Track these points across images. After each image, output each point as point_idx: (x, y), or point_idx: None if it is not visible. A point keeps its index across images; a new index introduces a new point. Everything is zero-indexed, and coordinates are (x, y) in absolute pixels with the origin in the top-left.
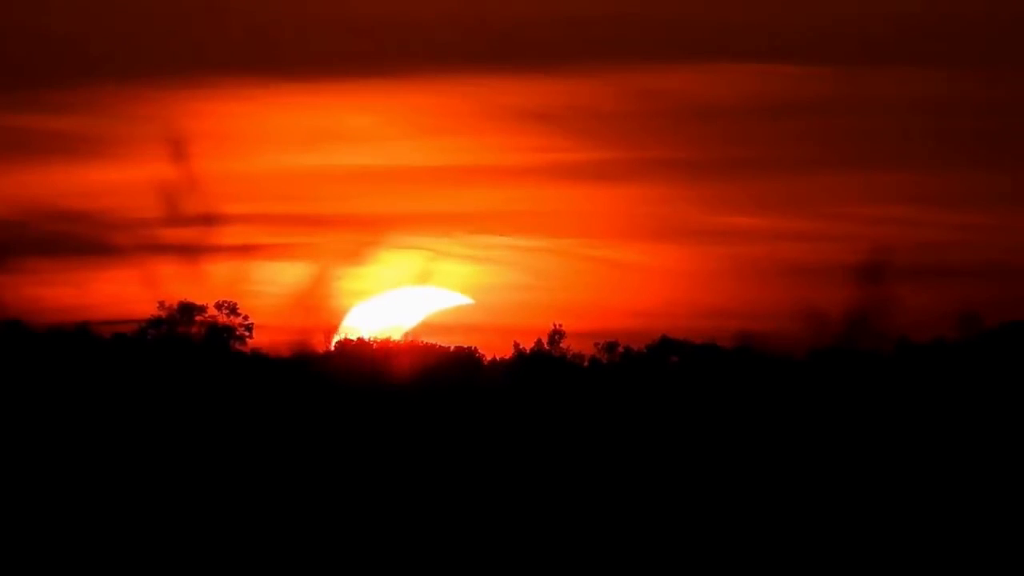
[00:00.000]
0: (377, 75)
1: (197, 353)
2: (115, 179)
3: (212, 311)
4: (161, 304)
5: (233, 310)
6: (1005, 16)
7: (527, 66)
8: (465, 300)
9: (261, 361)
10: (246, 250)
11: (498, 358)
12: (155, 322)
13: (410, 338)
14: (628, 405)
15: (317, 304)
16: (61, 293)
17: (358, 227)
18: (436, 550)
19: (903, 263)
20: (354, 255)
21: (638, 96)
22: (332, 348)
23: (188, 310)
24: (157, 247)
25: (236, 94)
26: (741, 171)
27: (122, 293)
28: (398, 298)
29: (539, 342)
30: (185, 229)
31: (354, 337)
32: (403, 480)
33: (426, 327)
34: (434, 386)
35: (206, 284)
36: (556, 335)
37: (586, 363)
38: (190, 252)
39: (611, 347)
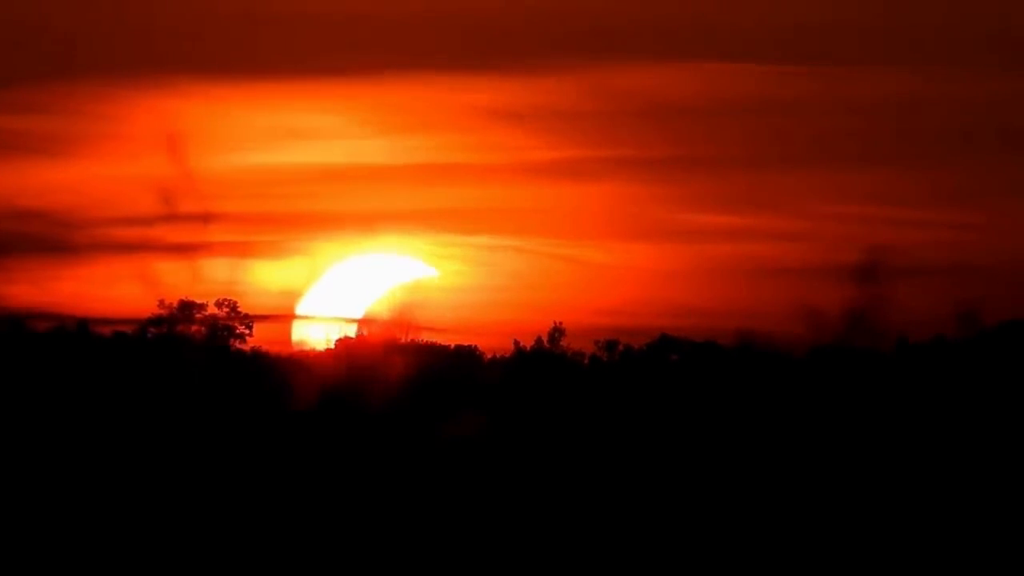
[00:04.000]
0: (342, 73)
1: (198, 351)
2: (78, 178)
3: (212, 309)
4: (161, 302)
5: (234, 308)
6: (992, 14)
7: (495, 65)
8: (430, 271)
9: (262, 359)
10: (213, 248)
11: (498, 356)
12: (155, 320)
13: (376, 314)
14: (630, 403)
15: (287, 301)
16: (25, 291)
17: (326, 225)
18: (437, 549)
19: (897, 262)
20: (321, 253)
21: (611, 94)
22: (333, 346)
23: (188, 308)
24: (123, 245)
25: (200, 92)
26: (716, 170)
27: (87, 291)
28: (356, 269)
29: (539, 340)
30: (152, 228)
31: (353, 335)
32: (405, 478)
33: (393, 305)
34: (435, 384)
35: (176, 282)
36: (556, 333)
37: (586, 361)
38: (156, 250)
39: (611, 345)
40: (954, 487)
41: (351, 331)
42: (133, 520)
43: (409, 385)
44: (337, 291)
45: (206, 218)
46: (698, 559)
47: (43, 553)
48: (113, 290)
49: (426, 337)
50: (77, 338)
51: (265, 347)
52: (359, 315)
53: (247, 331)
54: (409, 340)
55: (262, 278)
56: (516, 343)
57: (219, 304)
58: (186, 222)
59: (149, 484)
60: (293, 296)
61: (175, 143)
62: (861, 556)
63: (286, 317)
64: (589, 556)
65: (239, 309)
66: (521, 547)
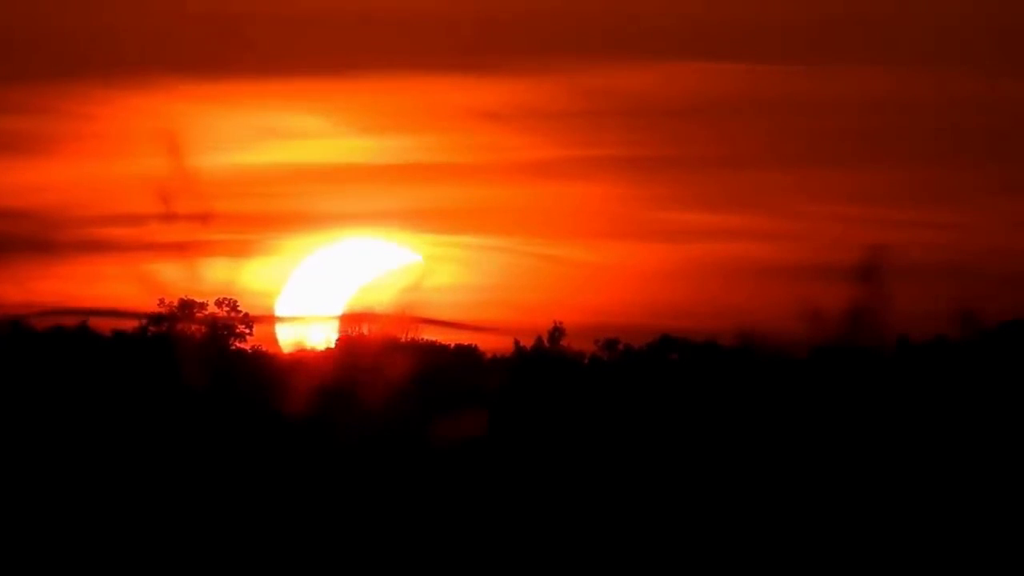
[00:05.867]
0: (330, 74)
1: (198, 350)
2: (68, 177)
3: (212, 308)
4: (161, 301)
5: (233, 307)
6: (993, 14)
7: (477, 65)
8: (414, 257)
9: (261, 358)
10: (204, 247)
11: (498, 355)
12: (156, 319)
13: (371, 310)
14: (630, 403)
15: (274, 301)
16: (19, 291)
17: (314, 225)
18: (437, 549)
19: (897, 262)
20: (309, 252)
21: (607, 94)
22: (334, 345)
23: (188, 307)
24: (114, 244)
25: (188, 93)
26: (715, 170)
27: (82, 290)
28: (340, 261)
29: (539, 340)
30: (144, 226)
31: (347, 330)
32: (407, 478)
33: (388, 301)
34: (436, 383)
35: (168, 281)
36: (556, 332)
37: (586, 361)
38: (149, 249)
39: (611, 345)
40: (955, 486)
41: (346, 325)
42: (134, 519)
43: (411, 384)
44: (322, 286)
45: (196, 217)
46: (699, 559)
47: (42, 552)
48: (108, 289)
49: (425, 336)
50: (76, 337)
51: (261, 347)
52: (345, 309)
53: (247, 330)
54: (409, 339)
55: (250, 277)
56: (516, 343)
57: (219, 303)
58: (177, 221)
59: (149, 483)
60: (279, 295)
61: (168, 142)
62: (862, 555)
63: (278, 318)
64: (590, 555)
65: (239, 308)
66: (522, 546)
